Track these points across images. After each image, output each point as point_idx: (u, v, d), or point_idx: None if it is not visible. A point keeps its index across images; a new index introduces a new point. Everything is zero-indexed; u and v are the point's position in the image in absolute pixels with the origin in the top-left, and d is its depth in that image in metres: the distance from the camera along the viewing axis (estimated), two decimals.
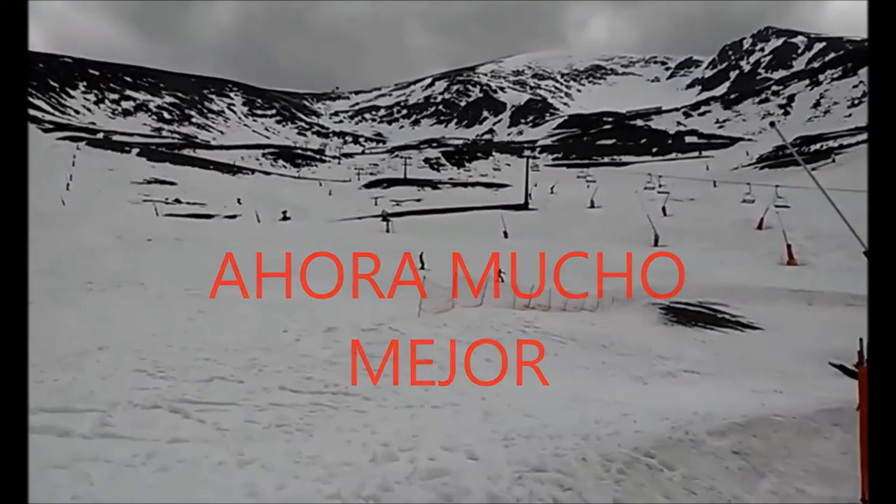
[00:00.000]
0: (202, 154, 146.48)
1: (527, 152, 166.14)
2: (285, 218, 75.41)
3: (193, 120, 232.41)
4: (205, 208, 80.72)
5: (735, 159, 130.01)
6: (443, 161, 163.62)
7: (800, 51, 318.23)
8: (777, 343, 22.80)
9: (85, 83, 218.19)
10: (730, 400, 12.27)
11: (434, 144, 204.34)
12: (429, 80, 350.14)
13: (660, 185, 69.13)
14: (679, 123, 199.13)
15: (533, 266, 34.13)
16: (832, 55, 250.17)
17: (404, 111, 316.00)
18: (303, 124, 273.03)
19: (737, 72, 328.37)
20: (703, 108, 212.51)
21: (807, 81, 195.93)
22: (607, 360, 17.09)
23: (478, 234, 54.34)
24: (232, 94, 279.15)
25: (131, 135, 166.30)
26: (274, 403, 8.59)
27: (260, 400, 8.70)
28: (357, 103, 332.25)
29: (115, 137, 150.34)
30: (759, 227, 53.81)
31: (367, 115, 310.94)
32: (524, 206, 76.62)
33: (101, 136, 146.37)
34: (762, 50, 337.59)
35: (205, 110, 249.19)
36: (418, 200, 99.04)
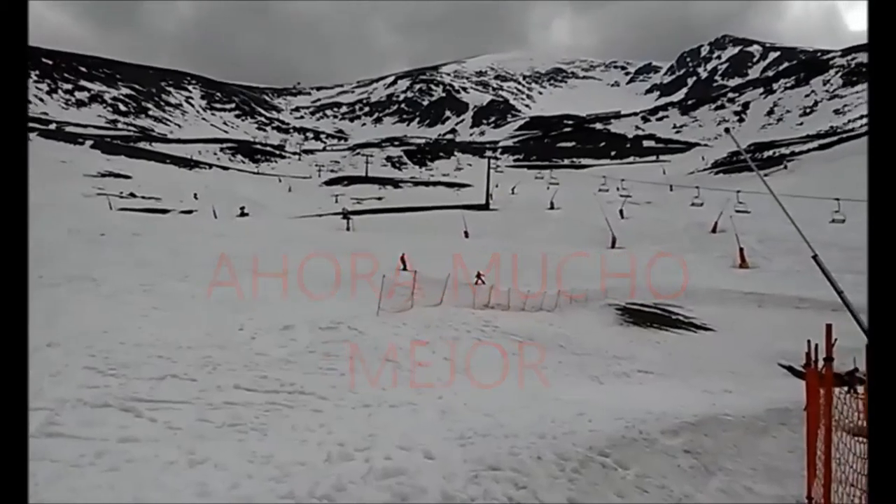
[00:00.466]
0: (159, 147, 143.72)
1: (488, 153, 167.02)
2: (243, 214, 74.36)
3: (150, 112, 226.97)
4: (160, 203, 79.04)
5: (691, 164, 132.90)
6: (405, 160, 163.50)
7: (755, 59, 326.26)
8: (728, 344, 23.37)
9: (37, 72, 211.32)
10: (682, 399, 12.53)
11: (396, 143, 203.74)
12: (391, 79, 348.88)
13: (623, 189, 70.04)
14: (637, 128, 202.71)
15: (494, 266, 34.25)
16: (786, 64, 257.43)
17: (366, 109, 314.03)
18: (263, 119, 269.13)
19: (694, 78, 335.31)
20: (661, 114, 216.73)
21: (761, 90, 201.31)
22: (564, 359, 17.27)
23: (439, 234, 54.38)
24: (190, 87, 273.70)
25: (85, 126, 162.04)
26: (228, 402, 8.46)
27: (213, 398, 8.55)
28: (319, 99, 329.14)
29: (69, 129, 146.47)
30: (714, 230, 55.02)
31: (329, 112, 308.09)
32: (485, 207, 76.97)
33: (53, 127, 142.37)
34: (719, 58, 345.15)
35: (162, 103, 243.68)
36: (380, 199, 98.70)
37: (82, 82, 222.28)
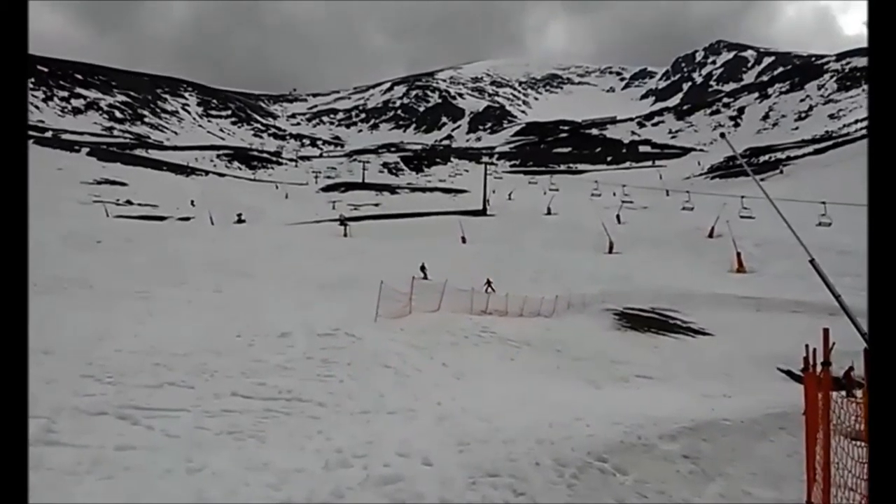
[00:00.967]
0: (155, 154, 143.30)
1: (485, 159, 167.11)
2: (240, 221, 74.17)
3: (146, 119, 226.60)
4: (157, 210, 78.81)
5: (687, 169, 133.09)
6: (401, 166, 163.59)
7: (750, 64, 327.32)
8: (726, 348, 23.34)
9: (32, 80, 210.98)
10: (680, 404, 12.52)
11: (393, 149, 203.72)
12: (388, 85, 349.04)
13: (625, 195, 70.00)
14: (633, 133, 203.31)
15: (491, 271, 34.24)
16: (780, 69, 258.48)
17: (363, 115, 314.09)
18: (259, 126, 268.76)
19: (689, 83, 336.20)
20: (656, 119, 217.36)
21: (756, 94, 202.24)
22: (562, 364, 17.25)
23: (436, 239, 54.33)
24: (186, 94, 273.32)
25: (81, 134, 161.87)
26: (225, 410, 8.41)
27: (211, 406, 8.51)
28: (315, 106, 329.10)
29: (64, 136, 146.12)
30: (710, 235, 55.07)
31: (325, 118, 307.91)
32: (482, 212, 76.96)
33: (49, 134, 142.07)
34: (714, 63, 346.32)
35: (158, 110, 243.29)
36: (376, 205, 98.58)
37: (78, 90, 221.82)
